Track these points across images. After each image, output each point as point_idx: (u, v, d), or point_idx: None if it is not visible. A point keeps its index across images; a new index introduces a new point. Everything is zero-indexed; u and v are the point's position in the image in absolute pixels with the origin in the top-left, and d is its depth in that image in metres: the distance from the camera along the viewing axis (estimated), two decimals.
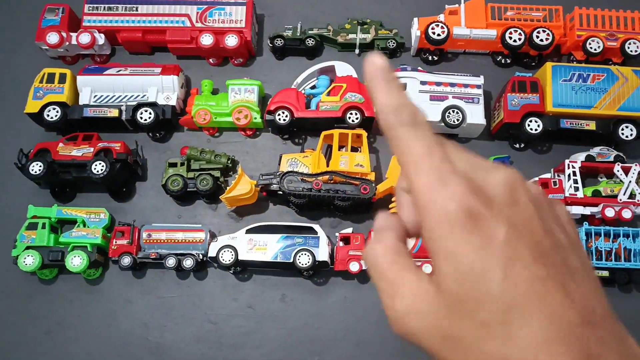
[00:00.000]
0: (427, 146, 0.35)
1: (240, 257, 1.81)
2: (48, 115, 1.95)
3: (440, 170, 0.34)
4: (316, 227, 1.87)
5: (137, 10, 2.09)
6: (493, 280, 0.31)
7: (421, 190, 0.34)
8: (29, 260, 1.81)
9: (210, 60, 2.15)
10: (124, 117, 1.96)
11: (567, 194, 1.88)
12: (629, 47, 2.04)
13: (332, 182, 1.83)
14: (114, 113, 1.96)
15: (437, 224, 0.33)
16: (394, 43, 2.11)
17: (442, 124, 1.94)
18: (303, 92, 2.01)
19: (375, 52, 0.38)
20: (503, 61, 2.15)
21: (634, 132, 1.93)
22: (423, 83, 1.97)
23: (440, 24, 2.05)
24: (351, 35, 2.13)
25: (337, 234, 1.88)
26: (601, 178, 1.97)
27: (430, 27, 2.05)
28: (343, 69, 2.04)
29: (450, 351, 0.34)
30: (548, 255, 0.33)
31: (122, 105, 1.97)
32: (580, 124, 1.95)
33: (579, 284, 0.33)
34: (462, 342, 0.33)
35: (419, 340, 0.35)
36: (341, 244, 1.85)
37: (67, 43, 2.06)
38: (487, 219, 0.32)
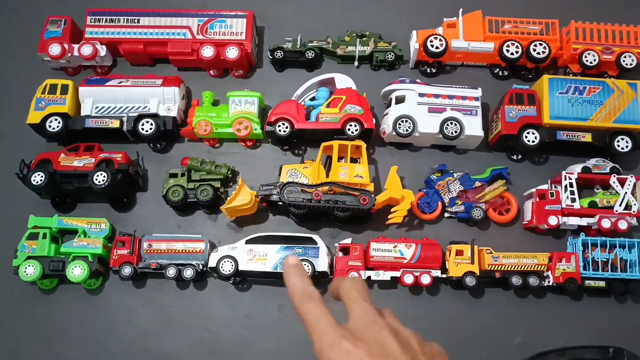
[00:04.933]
0: (319, 314, 0.57)
1: (241, 268, 1.82)
2: (50, 126, 1.96)
3: (325, 329, 0.56)
4: (316, 237, 1.88)
5: (138, 22, 2.11)
6: None
7: (314, 342, 0.55)
8: (30, 270, 1.81)
9: (211, 71, 2.18)
10: (125, 127, 1.98)
11: (563, 205, 1.90)
12: (624, 60, 2.07)
13: (331, 192, 1.85)
14: (116, 124, 1.98)
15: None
16: (392, 55, 2.14)
17: (440, 136, 1.96)
18: (303, 103, 2.03)
19: (290, 255, 0.66)
20: (500, 73, 2.18)
21: (630, 144, 1.96)
22: (421, 95, 1.99)
23: (439, 37, 2.08)
24: (350, 48, 2.15)
25: (336, 245, 1.89)
26: (597, 189, 1.99)
27: (429, 39, 2.07)
28: (342, 81, 2.06)
29: None
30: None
31: (123, 116, 1.99)
32: (577, 136, 1.98)
33: None
34: None
35: None
36: (340, 254, 1.86)
37: (69, 54, 2.08)
38: (354, 351, 0.53)
